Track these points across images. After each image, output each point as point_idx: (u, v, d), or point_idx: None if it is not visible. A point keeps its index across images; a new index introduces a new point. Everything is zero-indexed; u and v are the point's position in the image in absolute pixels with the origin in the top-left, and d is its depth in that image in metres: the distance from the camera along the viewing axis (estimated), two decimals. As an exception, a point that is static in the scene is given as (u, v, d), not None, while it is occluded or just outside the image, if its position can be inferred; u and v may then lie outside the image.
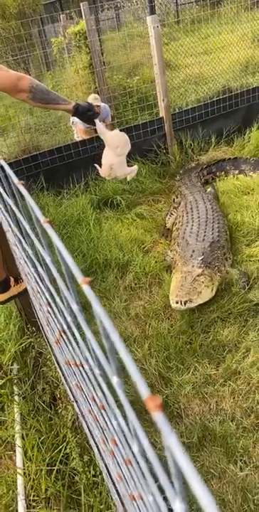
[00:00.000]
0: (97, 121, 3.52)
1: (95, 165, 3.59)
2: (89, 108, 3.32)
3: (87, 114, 3.33)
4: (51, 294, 0.82)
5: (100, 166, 3.45)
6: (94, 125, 3.52)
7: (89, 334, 0.59)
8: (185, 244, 3.70)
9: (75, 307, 0.63)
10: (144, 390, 0.41)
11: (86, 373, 0.78)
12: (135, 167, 3.86)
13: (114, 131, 3.75)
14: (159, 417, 0.38)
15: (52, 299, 0.82)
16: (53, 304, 0.83)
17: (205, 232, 3.76)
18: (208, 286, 3.25)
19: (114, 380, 0.53)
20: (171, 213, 4.52)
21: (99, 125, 3.59)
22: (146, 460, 0.51)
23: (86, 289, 0.53)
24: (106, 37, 8.83)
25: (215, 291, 3.34)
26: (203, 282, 3.23)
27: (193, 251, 3.55)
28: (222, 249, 3.65)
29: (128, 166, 3.82)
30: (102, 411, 0.74)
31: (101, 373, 0.63)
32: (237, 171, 5.19)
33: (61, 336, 0.88)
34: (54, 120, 7.48)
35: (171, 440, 0.37)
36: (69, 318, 0.71)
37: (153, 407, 0.39)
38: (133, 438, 0.54)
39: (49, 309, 0.89)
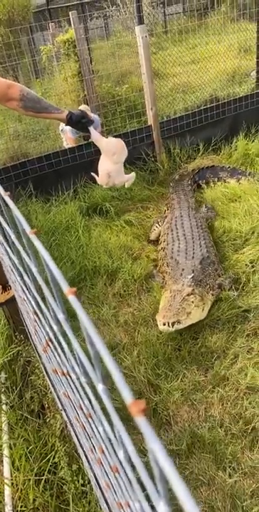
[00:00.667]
0: (91, 128, 3.45)
1: (92, 174, 3.56)
2: (83, 116, 3.26)
3: (81, 122, 3.29)
4: (37, 303, 0.82)
5: (97, 174, 3.43)
6: (89, 133, 3.45)
7: (75, 343, 0.59)
8: (175, 263, 3.60)
9: (61, 316, 0.63)
10: (127, 395, 0.42)
11: (73, 382, 0.78)
12: (133, 174, 3.83)
13: (110, 138, 3.72)
14: (141, 422, 0.39)
15: (38, 308, 0.82)
16: (39, 313, 0.83)
17: (193, 249, 3.68)
18: (199, 307, 3.16)
19: (100, 387, 0.54)
20: (154, 229, 4.47)
21: (94, 132, 3.48)
22: (132, 466, 0.51)
23: (72, 299, 0.54)
24: (95, 45, 8.90)
25: (208, 310, 3.27)
26: (192, 302, 3.12)
27: (183, 269, 3.46)
28: (213, 265, 3.59)
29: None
30: (89, 419, 0.74)
31: (87, 381, 0.64)
32: (216, 179, 5.27)
33: (48, 344, 0.88)
34: (43, 127, 7.49)
35: (153, 443, 0.38)
36: (55, 327, 0.71)
37: (136, 411, 0.40)
38: (118, 444, 0.54)
39: (35, 318, 0.89)
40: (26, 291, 0.92)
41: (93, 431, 0.74)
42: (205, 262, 3.55)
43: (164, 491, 0.41)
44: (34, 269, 0.73)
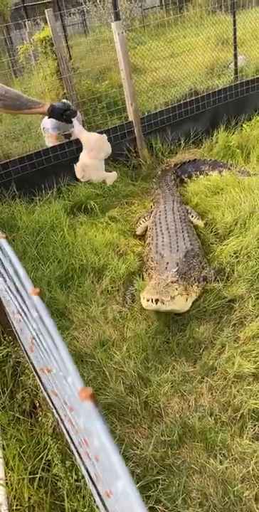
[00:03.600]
0: (75, 120, 3.47)
1: (74, 165, 3.56)
2: (66, 108, 3.27)
3: (64, 114, 3.28)
4: (19, 303, 0.84)
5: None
6: (72, 124, 3.47)
7: (48, 339, 0.62)
8: (160, 257, 3.60)
9: (35, 315, 0.65)
10: (77, 383, 0.44)
11: (56, 377, 0.80)
12: (114, 173, 3.80)
13: (91, 133, 3.71)
14: (88, 405, 0.41)
15: (20, 307, 0.84)
16: (21, 312, 0.85)
17: (177, 242, 3.71)
18: (182, 295, 3.18)
19: (69, 379, 0.56)
20: (140, 223, 4.50)
21: (77, 125, 3.52)
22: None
23: (35, 300, 0.56)
24: (73, 42, 8.84)
25: (191, 302, 3.29)
26: (176, 289, 3.14)
27: (168, 263, 3.47)
28: (197, 257, 3.61)
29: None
30: (72, 412, 0.76)
31: (64, 375, 0.66)
32: (198, 172, 5.33)
33: (32, 342, 0.90)
34: (24, 127, 7.43)
35: (97, 424, 0.40)
36: (35, 325, 0.73)
37: (84, 397, 0.42)
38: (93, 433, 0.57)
39: (20, 317, 0.91)
40: (9, 293, 0.94)
41: (77, 424, 0.77)
42: (189, 255, 3.58)
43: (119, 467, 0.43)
44: (11, 271, 0.75)
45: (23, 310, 0.80)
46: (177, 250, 3.61)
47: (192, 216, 4.33)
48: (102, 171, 3.69)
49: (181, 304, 3.19)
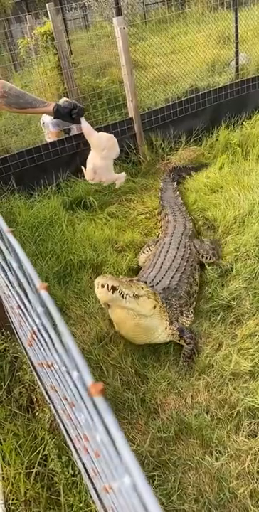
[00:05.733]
0: (83, 120, 3.24)
1: (82, 167, 3.47)
2: (73, 107, 3.02)
3: (71, 114, 3.04)
4: (21, 298, 0.84)
5: (86, 168, 3.36)
6: (79, 124, 3.24)
7: (52, 334, 0.62)
8: None
9: (40, 309, 0.66)
10: (87, 378, 0.45)
11: (56, 373, 0.81)
12: (123, 174, 3.70)
13: (101, 133, 3.59)
14: (98, 401, 0.42)
15: (22, 302, 0.85)
16: (23, 307, 0.86)
17: (162, 278, 3.26)
18: (149, 298, 2.73)
19: (75, 375, 0.56)
20: (143, 252, 4.01)
21: (86, 125, 3.29)
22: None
23: (43, 295, 0.56)
24: (74, 37, 8.80)
25: (158, 322, 2.88)
26: (143, 288, 2.70)
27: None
28: (179, 299, 3.15)
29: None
30: (72, 408, 0.77)
31: (67, 370, 0.66)
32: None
33: (33, 337, 0.91)
34: (23, 122, 7.40)
35: (108, 418, 0.40)
36: (37, 320, 0.74)
37: (95, 392, 0.42)
38: (96, 428, 0.57)
39: (20, 312, 0.91)
40: (10, 287, 0.94)
41: (77, 419, 0.77)
42: (168, 292, 3.15)
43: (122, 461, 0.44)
44: (15, 265, 0.76)
45: (24, 305, 0.80)
46: (157, 284, 3.20)
47: (203, 257, 3.73)
48: (113, 172, 3.57)
49: (146, 308, 2.71)
